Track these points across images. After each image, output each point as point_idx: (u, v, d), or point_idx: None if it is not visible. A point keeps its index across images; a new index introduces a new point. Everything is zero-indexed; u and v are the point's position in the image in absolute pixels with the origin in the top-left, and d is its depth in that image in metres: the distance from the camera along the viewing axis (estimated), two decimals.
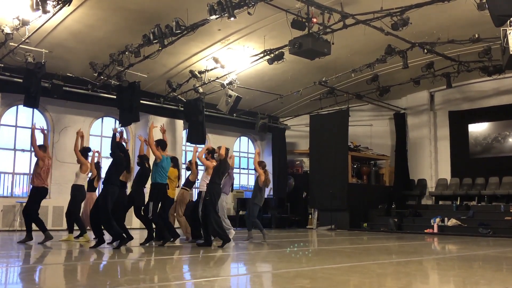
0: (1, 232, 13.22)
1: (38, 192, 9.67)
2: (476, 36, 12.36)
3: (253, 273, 6.36)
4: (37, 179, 9.63)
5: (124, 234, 8.75)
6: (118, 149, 8.93)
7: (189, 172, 11.14)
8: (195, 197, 13.21)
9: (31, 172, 10.37)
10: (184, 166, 13.23)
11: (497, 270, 6.84)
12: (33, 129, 9.94)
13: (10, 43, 11.73)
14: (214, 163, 9.74)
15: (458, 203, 16.83)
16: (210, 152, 10.05)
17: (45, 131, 10.30)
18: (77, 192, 10.39)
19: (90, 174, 11.12)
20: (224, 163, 9.50)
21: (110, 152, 8.97)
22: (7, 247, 9.45)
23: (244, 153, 21.10)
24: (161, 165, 9.44)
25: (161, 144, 9.64)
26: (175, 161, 10.47)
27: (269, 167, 19.53)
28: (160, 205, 9.64)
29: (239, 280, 5.88)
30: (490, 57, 13.33)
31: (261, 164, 11.06)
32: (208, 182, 9.53)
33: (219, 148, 9.62)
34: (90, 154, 11.12)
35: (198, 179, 11.24)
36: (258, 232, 10.97)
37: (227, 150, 9.64)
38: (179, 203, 10.81)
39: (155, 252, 8.50)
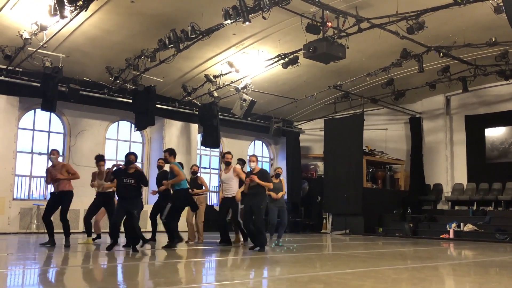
0: (18, 235, 13.40)
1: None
2: (493, 39, 12.25)
3: (266, 278, 6.35)
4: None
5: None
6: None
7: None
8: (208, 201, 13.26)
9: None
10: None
11: None
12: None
13: (29, 48, 11.97)
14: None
15: (475, 208, 16.65)
16: (239, 161, 10.26)
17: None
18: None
19: None
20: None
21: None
22: (24, 249, 9.58)
23: (258, 157, 21.07)
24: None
25: (174, 153, 9.74)
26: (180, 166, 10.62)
27: (283, 171, 19.51)
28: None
29: (253, 284, 5.88)
30: (507, 61, 13.22)
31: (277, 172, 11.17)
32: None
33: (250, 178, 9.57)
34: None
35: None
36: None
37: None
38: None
39: (168, 255, 8.53)
